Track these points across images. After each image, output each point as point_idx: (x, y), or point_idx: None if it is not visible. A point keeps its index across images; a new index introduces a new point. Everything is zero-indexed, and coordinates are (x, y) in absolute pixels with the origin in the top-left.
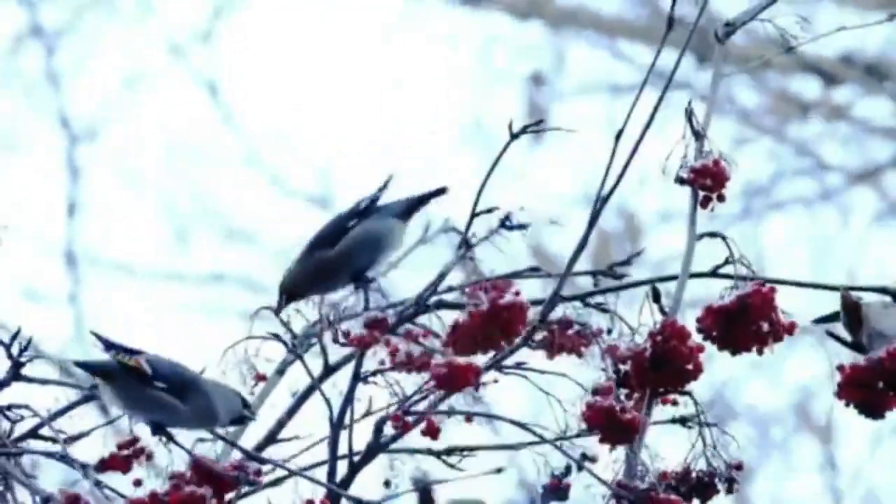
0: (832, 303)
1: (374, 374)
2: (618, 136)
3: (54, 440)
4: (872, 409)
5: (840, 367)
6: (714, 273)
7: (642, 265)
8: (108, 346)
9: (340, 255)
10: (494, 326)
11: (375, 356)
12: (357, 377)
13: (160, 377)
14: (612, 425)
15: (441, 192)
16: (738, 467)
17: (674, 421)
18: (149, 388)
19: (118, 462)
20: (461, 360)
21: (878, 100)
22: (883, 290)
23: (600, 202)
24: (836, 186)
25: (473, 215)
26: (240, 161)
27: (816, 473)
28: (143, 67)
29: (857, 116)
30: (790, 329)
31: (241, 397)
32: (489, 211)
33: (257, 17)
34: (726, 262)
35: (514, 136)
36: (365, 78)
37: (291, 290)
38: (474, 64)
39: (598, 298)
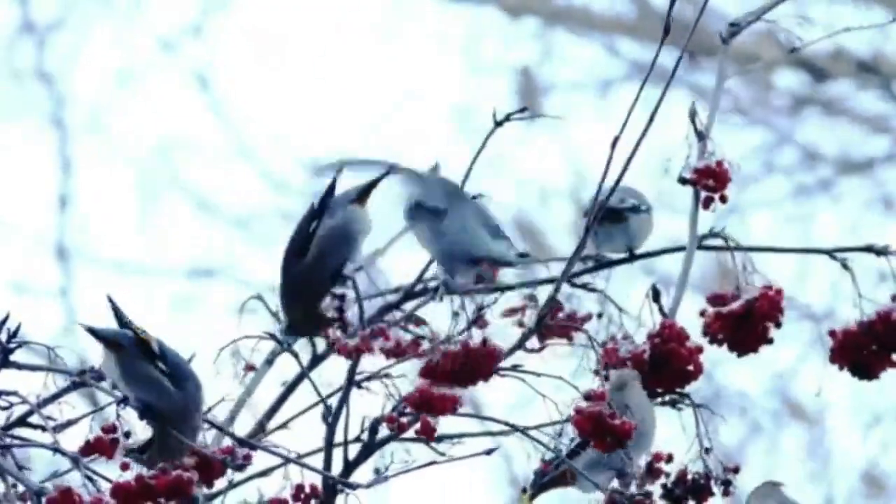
0: (818, 271)
1: (369, 378)
2: (614, 144)
3: (43, 428)
4: (866, 371)
5: (832, 333)
6: (699, 246)
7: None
8: (122, 322)
9: (315, 261)
10: (467, 369)
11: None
12: (351, 382)
13: (164, 359)
14: (601, 431)
15: (389, 171)
16: (735, 470)
17: (664, 403)
18: (151, 365)
19: (103, 446)
20: (438, 389)
21: (868, 93)
22: (868, 249)
23: (597, 207)
24: (827, 178)
25: None
26: (231, 155)
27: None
28: (134, 61)
29: (848, 110)
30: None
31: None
32: (473, 198)
33: (248, 11)
34: (711, 234)
35: (498, 124)
36: (356, 72)
37: (293, 320)
38: (466, 58)
39: (586, 278)
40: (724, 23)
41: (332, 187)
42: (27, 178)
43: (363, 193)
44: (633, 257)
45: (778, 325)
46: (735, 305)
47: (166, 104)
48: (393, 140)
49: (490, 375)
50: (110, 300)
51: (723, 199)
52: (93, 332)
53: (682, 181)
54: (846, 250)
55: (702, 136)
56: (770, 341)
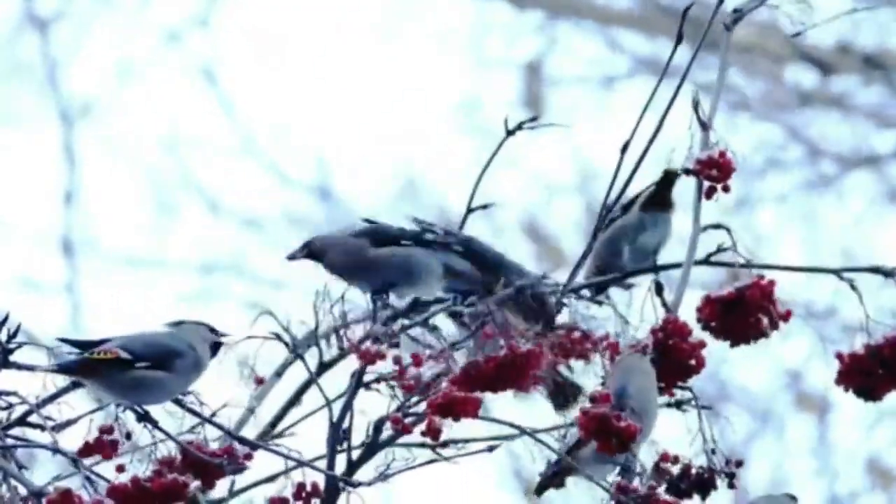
0: (825, 287)
1: (376, 381)
2: (623, 149)
3: (43, 428)
4: (871, 394)
5: (839, 356)
6: (707, 261)
7: None
8: (79, 347)
9: (374, 259)
10: (509, 373)
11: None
12: (359, 384)
13: (140, 358)
14: (606, 433)
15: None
16: (739, 464)
17: (669, 405)
18: (132, 370)
19: (102, 447)
20: (462, 392)
21: (874, 89)
22: (875, 270)
23: (604, 213)
24: (832, 174)
25: (469, 210)
26: (237, 149)
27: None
28: (139, 54)
29: (854, 104)
30: (786, 317)
31: (207, 326)
32: (485, 207)
33: (254, 4)
34: (719, 249)
35: (510, 133)
36: (362, 67)
37: (318, 251)
38: (471, 51)
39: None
40: (727, 12)
41: (447, 235)
42: (32, 173)
43: (451, 270)
44: (655, 269)
45: (771, 319)
46: (725, 292)
47: (171, 99)
48: (399, 136)
49: (530, 380)
50: (62, 340)
51: (726, 189)
52: (63, 369)
53: (686, 171)
54: (853, 270)
55: (705, 126)
56: (765, 334)
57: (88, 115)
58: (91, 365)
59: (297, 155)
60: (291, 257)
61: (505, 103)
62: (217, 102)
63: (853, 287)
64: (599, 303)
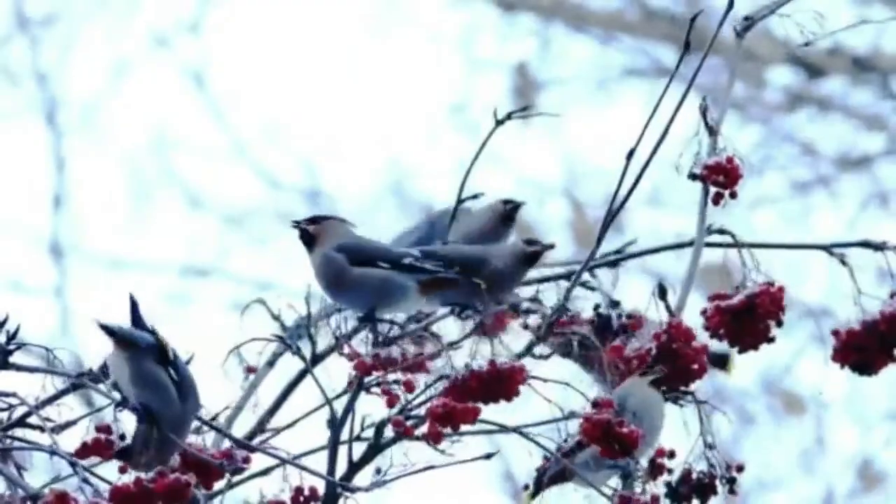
0: (815, 267)
1: (377, 384)
2: (629, 156)
3: (42, 429)
4: (866, 369)
5: (835, 332)
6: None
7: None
8: (137, 322)
9: (351, 279)
10: (492, 388)
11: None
12: (360, 387)
13: (176, 368)
14: (609, 438)
15: (456, 278)
16: (740, 469)
17: (667, 399)
18: (163, 370)
19: (99, 448)
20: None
21: (865, 90)
22: (865, 244)
23: (611, 216)
24: (824, 175)
25: (459, 201)
26: (227, 153)
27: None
28: (129, 58)
29: (844, 107)
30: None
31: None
32: (474, 197)
33: (245, 8)
34: (710, 231)
35: (499, 122)
36: (352, 69)
37: (314, 235)
38: (461, 54)
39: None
40: (736, 18)
41: (420, 259)
42: (21, 176)
43: (430, 283)
44: (634, 255)
45: (779, 323)
46: (735, 300)
47: (160, 101)
48: (388, 136)
49: (516, 394)
50: (132, 300)
51: (733, 196)
52: (108, 329)
53: (693, 177)
54: (843, 245)
55: (712, 131)
56: (771, 340)
57: (77, 118)
58: (142, 341)
59: (286, 156)
60: (296, 224)
61: (495, 104)
62: (206, 105)
63: (843, 262)
64: (592, 288)
